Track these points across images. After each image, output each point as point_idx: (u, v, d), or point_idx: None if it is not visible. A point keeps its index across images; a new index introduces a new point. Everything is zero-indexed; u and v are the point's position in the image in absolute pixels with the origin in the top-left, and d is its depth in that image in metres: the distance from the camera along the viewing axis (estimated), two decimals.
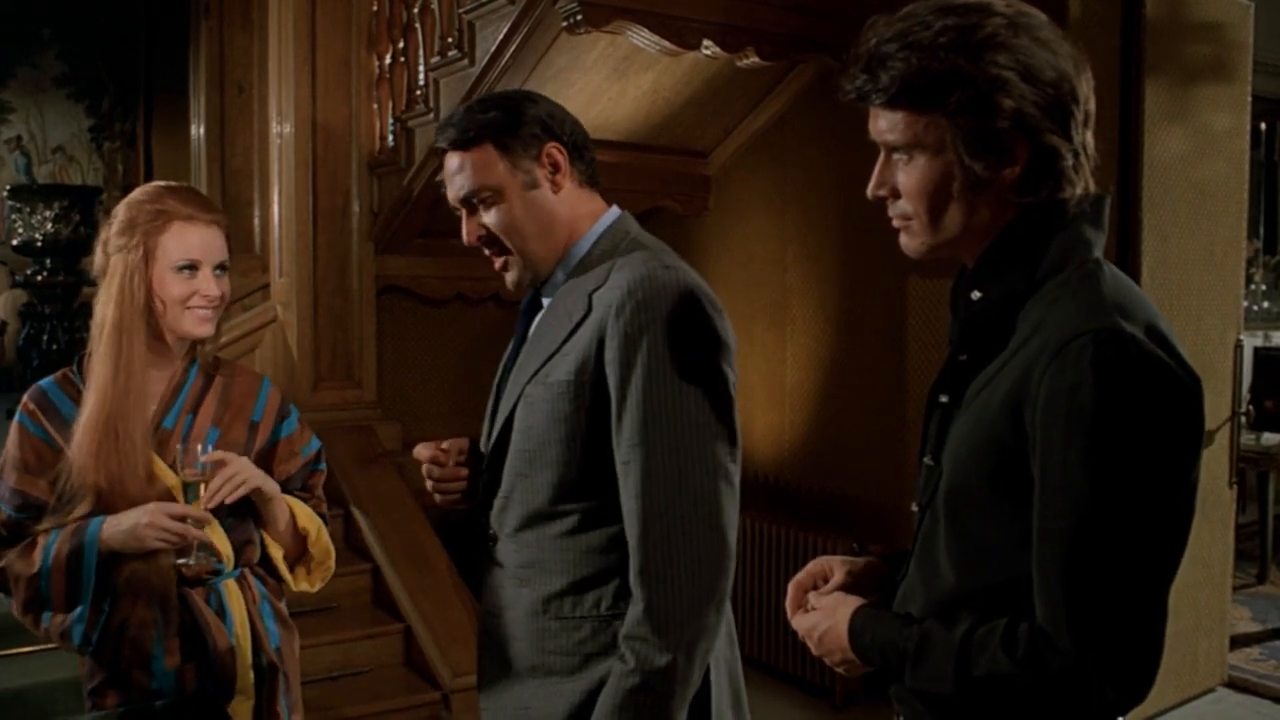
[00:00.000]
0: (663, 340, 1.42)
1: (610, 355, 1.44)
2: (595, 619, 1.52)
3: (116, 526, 1.74)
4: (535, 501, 1.52)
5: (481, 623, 1.66)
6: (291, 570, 1.96)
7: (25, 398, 1.85)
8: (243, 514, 1.88)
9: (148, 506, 1.74)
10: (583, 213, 1.58)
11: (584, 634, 1.52)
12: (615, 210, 1.62)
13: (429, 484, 1.66)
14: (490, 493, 1.60)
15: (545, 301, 1.60)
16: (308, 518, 1.96)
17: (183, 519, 1.74)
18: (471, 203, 1.55)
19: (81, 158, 9.21)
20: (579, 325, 1.49)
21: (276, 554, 1.93)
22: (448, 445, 1.65)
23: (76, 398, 1.81)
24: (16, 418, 1.84)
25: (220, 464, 1.77)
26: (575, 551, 1.51)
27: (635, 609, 1.44)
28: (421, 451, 1.65)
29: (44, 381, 1.88)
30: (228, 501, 1.79)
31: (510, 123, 1.53)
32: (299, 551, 1.97)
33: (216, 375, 1.93)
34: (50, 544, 1.76)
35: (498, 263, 1.59)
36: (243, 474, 1.79)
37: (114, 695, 1.81)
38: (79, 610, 1.77)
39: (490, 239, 1.56)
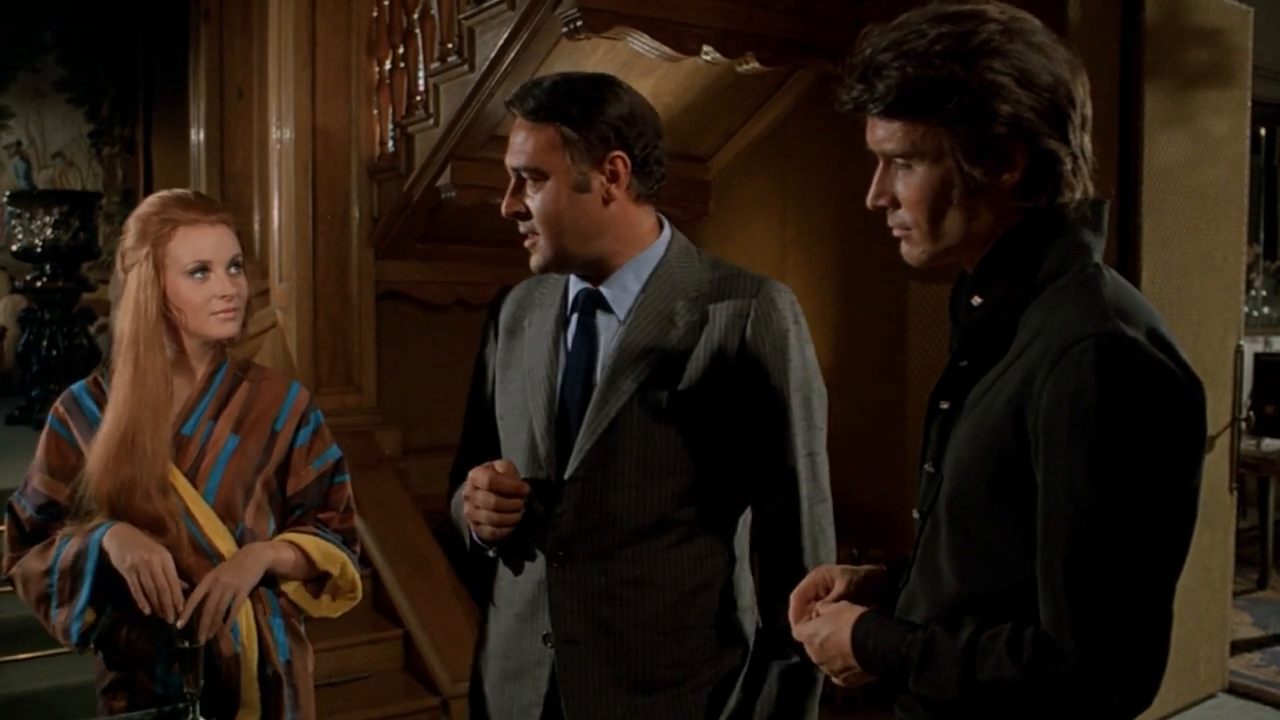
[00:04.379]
0: (808, 346, 1.61)
1: (767, 365, 1.52)
2: (704, 626, 1.53)
3: (117, 538, 1.72)
4: (651, 513, 1.49)
5: (556, 651, 1.53)
6: (316, 596, 1.92)
7: (57, 402, 1.89)
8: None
9: (158, 548, 1.70)
10: (643, 230, 1.56)
11: (695, 642, 1.53)
12: (666, 224, 1.61)
13: (484, 515, 1.47)
14: (560, 511, 1.50)
15: (616, 307, 1.54)
16: (326, 557, 1.88)
17: (176, 591, 1.68)
18: (520, 176, 1.49)
19: (81, 163, 9.22)
20: (698, 334, 1.51)
21: (291, 592, 1.90)
22: (502, 467, 1.48)
23: (103, 402, 1.82)
24: (48, 421, 1.88)
25: (204, 599, 1.70)
26: (685, 560, 1.52)
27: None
28: (479, 477, 1.47)
29: (75, 386, 1.91)
30: (225, 622, 1.74)
31: (584, 118, 1.45)
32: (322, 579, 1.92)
33: (244, 380, 1.91)
34: (65, 542, 1.78)
35: (528, 241, 1.52)
36: (225, 592, 1.72)
37: (123, 696, 1.82)
38: (78, 608, 1.77)
39: (525, 216, 1.50)
